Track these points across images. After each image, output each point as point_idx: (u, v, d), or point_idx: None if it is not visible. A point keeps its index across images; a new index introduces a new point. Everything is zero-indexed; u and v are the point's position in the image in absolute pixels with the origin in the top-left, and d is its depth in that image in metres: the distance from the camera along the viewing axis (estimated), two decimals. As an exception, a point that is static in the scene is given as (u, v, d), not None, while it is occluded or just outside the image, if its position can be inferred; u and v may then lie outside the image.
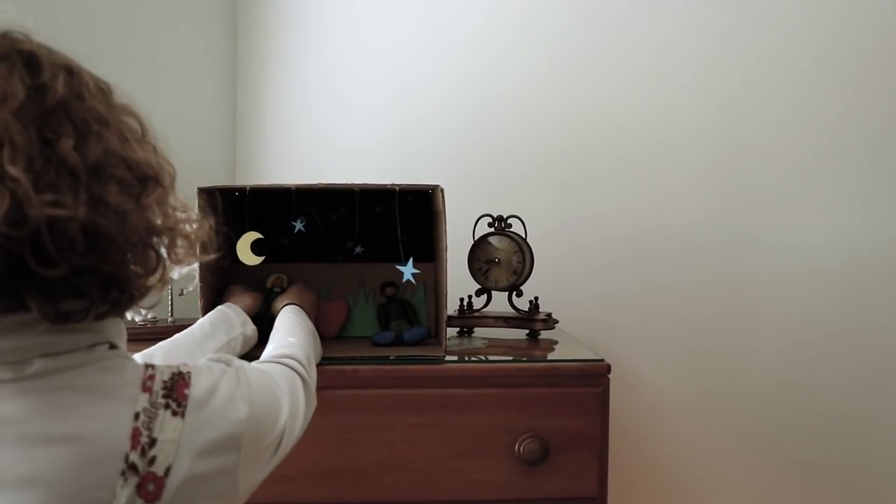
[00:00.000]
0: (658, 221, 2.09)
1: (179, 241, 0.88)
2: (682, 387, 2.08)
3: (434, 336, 1.61)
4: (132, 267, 0.81)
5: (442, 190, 1.46)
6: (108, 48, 1.86)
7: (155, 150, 0.87)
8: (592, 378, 1.50)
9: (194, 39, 2.11)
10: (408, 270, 1.43)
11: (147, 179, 0.83)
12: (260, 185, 1.49)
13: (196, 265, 1.48)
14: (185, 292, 1.76)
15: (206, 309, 1.44)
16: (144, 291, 0.84)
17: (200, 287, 1.44)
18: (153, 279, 0.84)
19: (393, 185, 1.47)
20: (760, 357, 2.05)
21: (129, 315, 1.74)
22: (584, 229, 2.13)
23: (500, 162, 2.12)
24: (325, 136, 2.09)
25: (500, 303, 1.83)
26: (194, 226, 0.90)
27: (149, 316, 1.78)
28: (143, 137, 0.86)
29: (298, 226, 1.47)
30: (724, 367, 2.06)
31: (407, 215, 1.76)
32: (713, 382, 2.06)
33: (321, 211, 1.79)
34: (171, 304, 1.79)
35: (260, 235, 1.46)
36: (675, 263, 2.08)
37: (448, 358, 1.50)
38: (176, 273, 1.76)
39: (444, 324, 1.49)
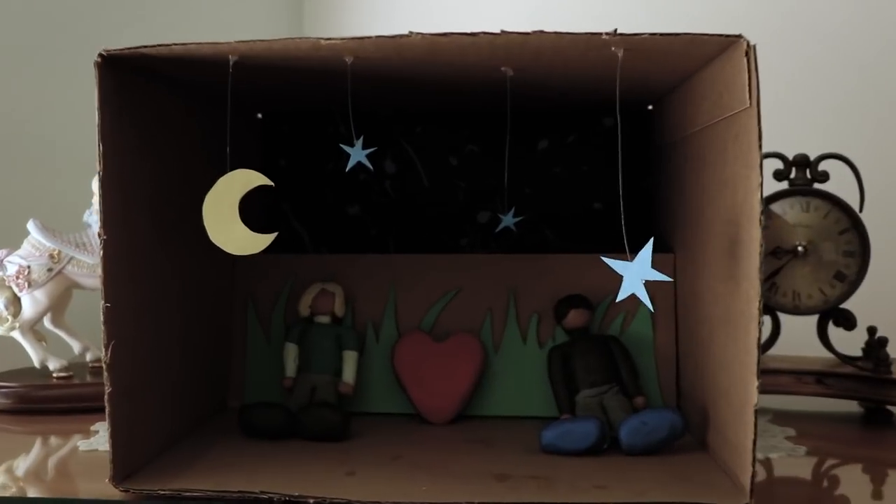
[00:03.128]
0: None
1: None
2: None
3: (684, 428, 0.66)
4: None
5: (752, 47, 0.52)
6: None
7: None
8: None
9: None
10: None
11: None
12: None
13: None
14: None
15: (113, 354, 0.56)
16: None
17: (105, 310, 0.55)
18: None
19: (612, 33, 0.54)
20: None
21: (35, 358, 0.88)
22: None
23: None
24: None
25: (796, 335, 0.89)
26: None
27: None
28: None
29: (358, 154, 0.55)
30: None
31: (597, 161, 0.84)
32: None
33: (427, 146, 0.90)
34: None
35: (264, 178, 0.56)
36: None
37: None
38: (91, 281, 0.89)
39: (751, 409, 0.54)
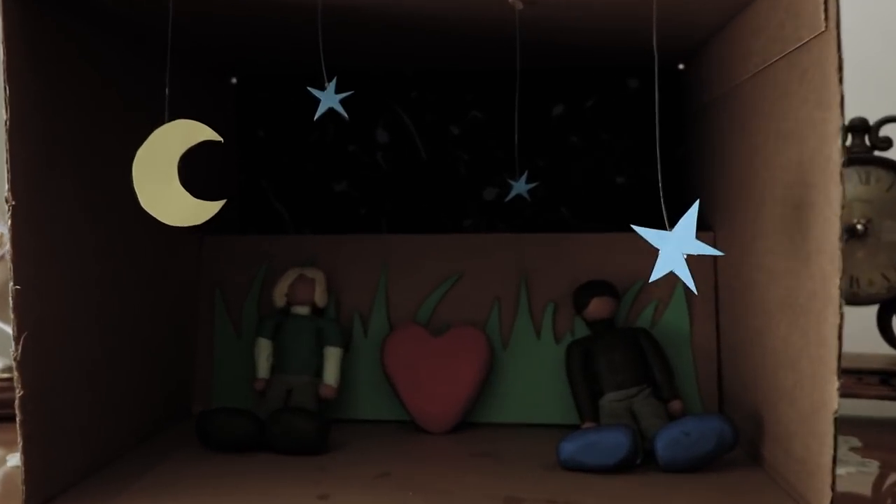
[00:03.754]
0: None
1: None
2: None
3: (734, 438, 0.54)
4: None
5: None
6: None
7: None
8: None
9: None
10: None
11: None
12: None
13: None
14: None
15: (25, 348, 0.44)
16: None
17: (15, 294, 0.44)
18: None
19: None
20: None
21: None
22: None
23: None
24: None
25: (853, 328, 0.76)
26: None
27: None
28: None
29: (330, 100, 0.44)
30: None
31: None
32: None
33: (424, 113, 0.81)
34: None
35: (210, 132, 0.44)
36: None
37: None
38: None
39: (829, 416, 0.42)
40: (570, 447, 0.55)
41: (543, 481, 0.53)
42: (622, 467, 0.55)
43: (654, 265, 0.53)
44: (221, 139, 0.47)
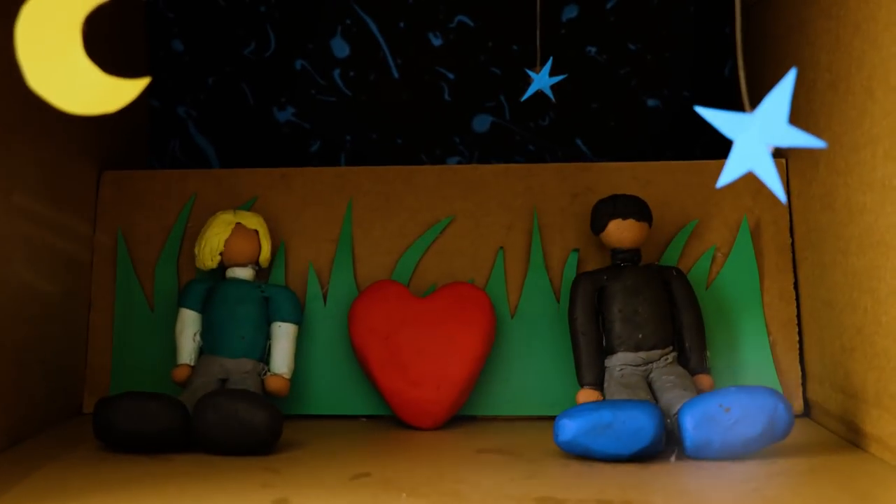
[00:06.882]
0: None
1: None
2: None
3: (788, 424, 0.49)
4: None
5: None
6: None
7: None
8: None
9: None
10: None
11: None
12: None
13: None
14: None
15: None
16: None
17: None
18: None
19: None
20: None
21: None
22: None
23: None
24: None
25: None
26: None
27: None
28: None
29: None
30: None
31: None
32: None
33: (396, 19, 0.80)
34: None
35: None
36: None
37: None
38: None
39: None
40: (574, 426, 0.48)
41: (586, 478, 0.45)
42: (639, 458, 0.48)
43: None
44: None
